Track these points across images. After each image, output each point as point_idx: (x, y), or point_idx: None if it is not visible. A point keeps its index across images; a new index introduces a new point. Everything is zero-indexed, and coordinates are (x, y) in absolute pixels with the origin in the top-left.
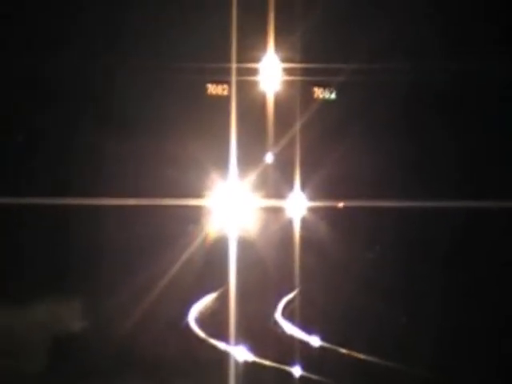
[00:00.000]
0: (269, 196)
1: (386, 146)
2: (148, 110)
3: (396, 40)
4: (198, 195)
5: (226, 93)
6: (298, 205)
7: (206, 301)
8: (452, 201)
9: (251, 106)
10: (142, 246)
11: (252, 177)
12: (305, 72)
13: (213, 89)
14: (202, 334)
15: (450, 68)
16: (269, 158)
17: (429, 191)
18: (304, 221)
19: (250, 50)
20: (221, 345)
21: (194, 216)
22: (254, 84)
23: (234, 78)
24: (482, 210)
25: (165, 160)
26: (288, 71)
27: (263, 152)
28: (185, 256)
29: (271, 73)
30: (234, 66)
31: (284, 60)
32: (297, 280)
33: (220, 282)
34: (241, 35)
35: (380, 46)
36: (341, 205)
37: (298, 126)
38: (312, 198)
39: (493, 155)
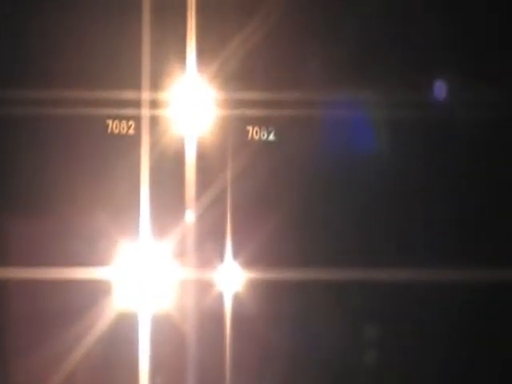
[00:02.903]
0: (191, 266)
1: (339, 201)
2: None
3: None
4: (103, 265)
5: (131, 131)
6: (228, 276)
7: None
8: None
9: (166, 149)
10: (43, 323)
11: (170, 242)
12: (237, 105)
13: (115, 126)
14: None
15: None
16: (190, 217)
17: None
18: (237, 297)
19: (165, 77)
20: None
21: (98, 290)
22: (169, 120)
23: (143, 112)
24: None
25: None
26: (215, 104)
27: (182, 211)
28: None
29: (192, 106)
30: (143, 96)
31: (209, 89)
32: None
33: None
34: (154, 57)
35: (331, 72)
36: None
37: (227, 176)
38: (245, 268)
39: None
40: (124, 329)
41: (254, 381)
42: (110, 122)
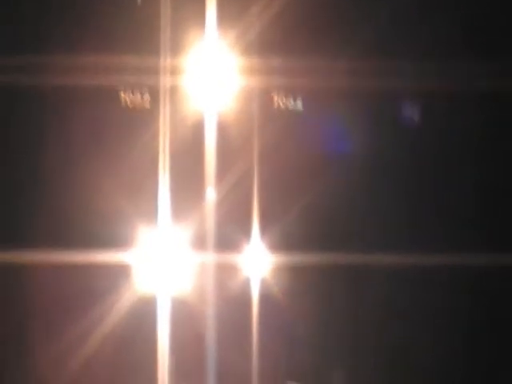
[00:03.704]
0: (214, 248)
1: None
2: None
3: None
4: (118, 248)
5: (148, 105)
6: (252, 260)
7: None
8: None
9: (185, 122)
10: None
11: (190, 224)
12: (261, 73)
13: (130, 98)
14: None
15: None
16: (212, 196)
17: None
18: (262, 281)
19: (184, 43)
20: None
21: (121, 274)
22: (188, 90)
23: (161, 83)
24: None
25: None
26: (238, 72)
27: (203, 190)
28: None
29: (213, 74)
30: (161, 63)
31: (231, 56)
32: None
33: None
34: (173, 21)
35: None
36: None
37: (251, 151)
38: (271, 251)
39: None
40: (146, 312)
41: (278, 364)
42: (122, 93)
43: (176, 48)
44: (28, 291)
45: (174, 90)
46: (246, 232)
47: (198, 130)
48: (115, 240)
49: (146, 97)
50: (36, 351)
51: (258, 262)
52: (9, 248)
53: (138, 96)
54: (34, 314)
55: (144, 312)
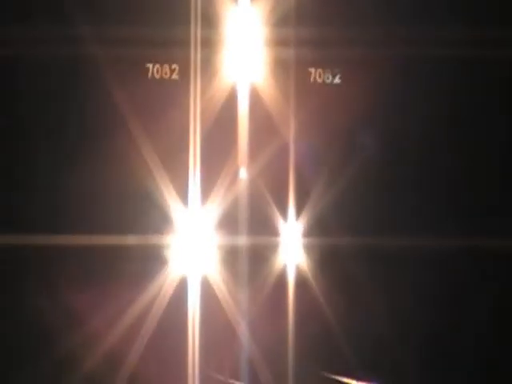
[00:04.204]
0: (248, 232)
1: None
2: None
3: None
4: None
5: (176, 76)
6: (291, 243)
7: None
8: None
9: (216, 97)
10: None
11: (221, 205)
12: (297, 45)
13: (157, 70)
14: None
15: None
16: (244, 175)
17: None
18: (296, 264)
19: (215, 13)
20: None
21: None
22: (219, 63)
23: (192, 54)
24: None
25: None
26: (272, 44)
27: (235, 168)
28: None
29: (245, 46)
30: (191, 35)
31: (265, 27)
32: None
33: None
34: None
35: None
36: None
37: (286, 127)
38: (306, 234)
39: None
40: (179, 296)
41: (313, 348)
42: (150, 65)
43: (207, 19)
44: (59, 273)
45: (205, 63)
46: (281, 214)
47: (229, 105)
48: (144, 222)
49: (176, 69)
50: (68, 334)
51: (293, 246)
52: (36, 232)
53: (167, 68)
54: (66, 296)
55: (177, 296)
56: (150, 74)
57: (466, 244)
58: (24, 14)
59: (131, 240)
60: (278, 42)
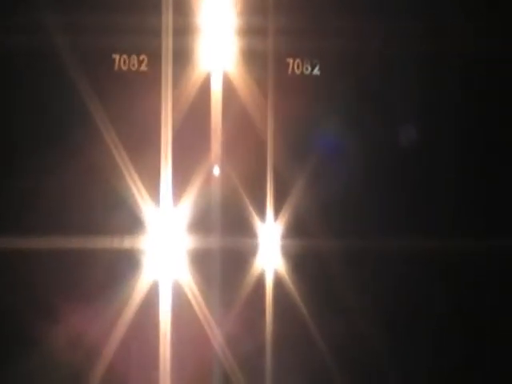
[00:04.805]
0: (223, 233)
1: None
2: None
3: None
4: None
5: (145, 68)
6: (268, 245)
7: None
8: None
9: (188, 88)
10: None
11: (195, 203)
12: (274, 35)
13: (124, 62)
14: None
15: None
16: (218, 172)
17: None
18: (273, 267)
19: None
20: None
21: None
22: (191, 53)
23: (163, 44)
24: None
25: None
26: (248, 34)
27: (209, 165)
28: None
29: (220, 36)
30: (162, 23)
31: (242, 16)
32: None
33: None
34: None
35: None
36: None
37: (263, 120)
38: (285, 234)
39: None
40: (150, 301)
41: (292, 354)
42: (116, 56)
43: (180, 5)
44: (30, 278)
45: (176, 54)
46: (258, 214)
47: (203, 99)
48: (112, 223)
49: (145, 61)
50: (45, 338)
51: (269, 247)
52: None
53: (135, 59)
54: (39, 301)
55: (149, 299)
56: (116, 66)
57: (445, 244)
58: None
59: (99, 243)
60: (255, 31)
